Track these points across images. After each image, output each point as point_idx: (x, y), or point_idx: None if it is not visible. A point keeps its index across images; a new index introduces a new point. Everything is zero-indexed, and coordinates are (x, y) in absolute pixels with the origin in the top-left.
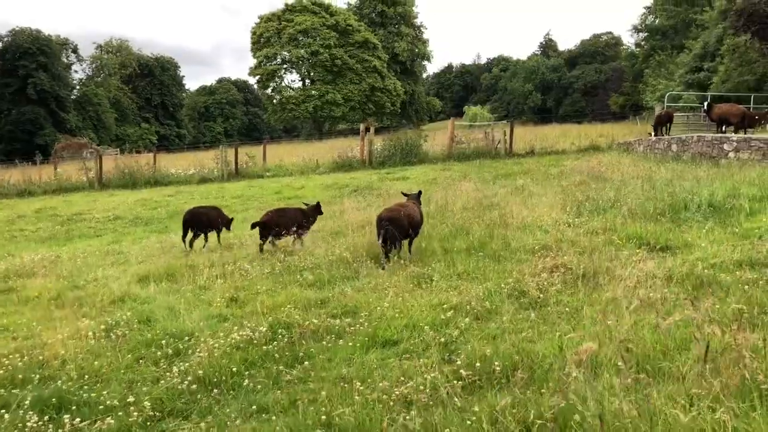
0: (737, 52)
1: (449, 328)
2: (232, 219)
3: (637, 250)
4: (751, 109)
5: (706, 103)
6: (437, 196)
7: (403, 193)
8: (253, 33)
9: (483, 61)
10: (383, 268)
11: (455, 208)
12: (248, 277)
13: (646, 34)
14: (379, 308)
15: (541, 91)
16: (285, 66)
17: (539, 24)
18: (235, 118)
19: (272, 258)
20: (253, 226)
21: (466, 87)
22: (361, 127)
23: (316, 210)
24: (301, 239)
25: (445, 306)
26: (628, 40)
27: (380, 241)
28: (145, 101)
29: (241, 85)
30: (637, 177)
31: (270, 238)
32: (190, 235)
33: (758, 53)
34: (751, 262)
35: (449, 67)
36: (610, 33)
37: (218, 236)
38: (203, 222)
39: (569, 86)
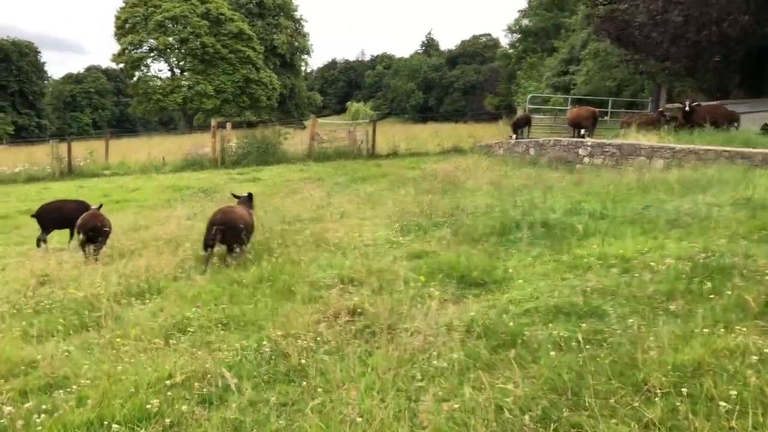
0: (599, 56)
1: (153, 425)
2: None
3: (444, 289)
4: (609, 113)
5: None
6: (277, 202)
7: (233, 195)
8: (118, 18)
9: (367, 57)
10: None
11: (277, 220)
12: None
13: (519, 36)
14: (87, 381)
15: (423, 90)
16: (152, 54)
17: (422, 23)
18: (105, 108)
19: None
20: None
21: (350, 83)
22: (212, 122)
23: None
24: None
25: (168, 382)
26: (504, 41)
27: (207, 245)
28: (1, 88)
29: (111, 74)
30: (489, 183)
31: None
32: None
33: (618, 58)
34: (568, 310)
35: (333, 62)
36: (489, 35)
37: None
38: None
39: (450, 85)
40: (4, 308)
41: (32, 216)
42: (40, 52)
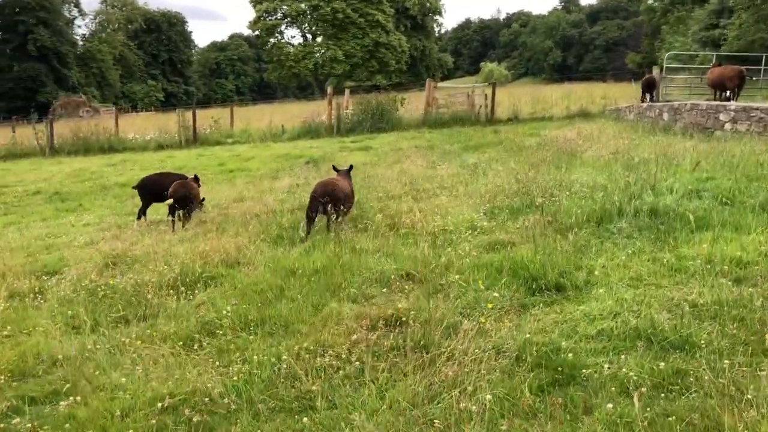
0: (753, 5)
1: None
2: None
3: (509, 294)
4: (761, 71)
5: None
6: (380, 173)
7: (334, 168)
8: None
9: (503, 16)
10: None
11: (371, 195)
12: None
13: None
14: (88, 391)
15: (561, 48)
16: (286, 20)
17: None
18: (246, 75)
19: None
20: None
21: (484, 43)
22: (328, 89)
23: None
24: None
25: (161, 404)
26: None
27: (310, 217)
28: (152, 58)
29: (253, 41)
30: (611, 153)
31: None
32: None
33: None
34: (650, 336)
35: (467, 22)
36: None
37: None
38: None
39: (590, 42)
40: (64, 293)
41: (133, 188)
42: (187, 22)
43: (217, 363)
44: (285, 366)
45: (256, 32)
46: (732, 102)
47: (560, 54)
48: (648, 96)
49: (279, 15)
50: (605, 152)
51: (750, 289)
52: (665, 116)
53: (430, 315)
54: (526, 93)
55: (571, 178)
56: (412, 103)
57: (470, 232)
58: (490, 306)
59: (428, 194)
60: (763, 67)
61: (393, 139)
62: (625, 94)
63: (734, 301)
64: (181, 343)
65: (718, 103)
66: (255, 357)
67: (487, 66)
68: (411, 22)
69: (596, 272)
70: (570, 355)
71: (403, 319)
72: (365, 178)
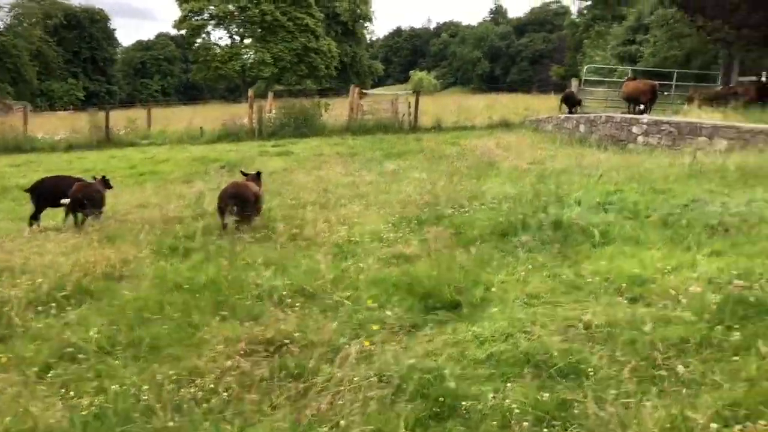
0: (666, 24)
1: None
2: None
3: (402, 314)
4: (673, 87)
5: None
6: (297, 179)
7: (242, 173)
8: None
9: (433, 25)
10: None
11: (282, 203)
12: None
13: (588, 3)
14: None
15: (489, 59)
16: (213, 21)
17: None
18: (173, 75)
19: None
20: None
21: (415, 51)
22: (249, 92)
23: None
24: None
25: None
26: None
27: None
28: (73, 55)
29: (180, 41)
30: (528, 163)
31: None
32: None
33: (688, 27)
34: (540, 362)
35: (398, 30)
36: (559, 1)
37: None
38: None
39: (517, 54)
40: None
41: (26, 191)
42: (110, 19)
43: (71, 394)
44: (145, 397)
45: (182, 32)
46: (645, 115)
47: (488, 65)
48: (567, 109)
49: (206, 15)
50: (522, 162)
51: (643, 309)
52: (582, 128)
53: (315, 337)
54: (453, 102)
55: (483, 189)
56: (337, 109)
57: (376, 243)
58: (375, 328)
59: (341, 203)
60: (674, 83)
61: (315, 144)
62: (548, 105)
63: (627, 322)
64: (35, 369)
65: (631, 116)
66: (112, 387)
67: (417, 74)
68: (341, 27)
69: (494, 289)
70: (453, 383)
71: (285, 342)
72: (281, 184)
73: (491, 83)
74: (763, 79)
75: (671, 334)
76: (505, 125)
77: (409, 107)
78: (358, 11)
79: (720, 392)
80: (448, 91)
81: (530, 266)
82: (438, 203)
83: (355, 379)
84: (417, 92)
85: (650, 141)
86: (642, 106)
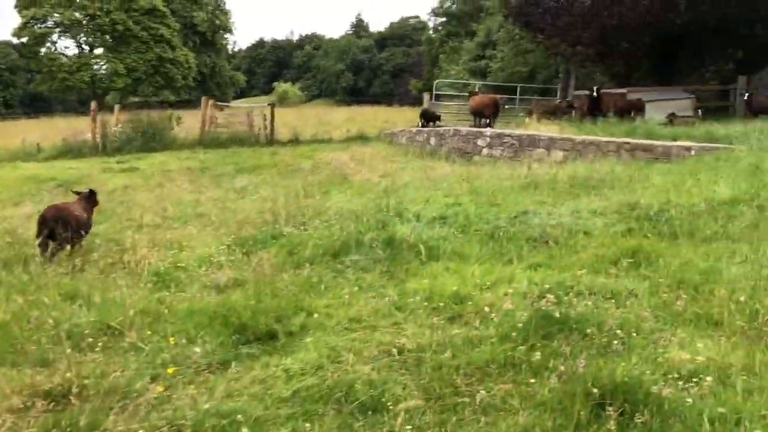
0: (513, 41)
1: None
2: None
3: (218, 346)
4: (517, 100)
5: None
6: (140, 198)
7: (74, 192)
8: None
9: (296, 37)
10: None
11: (114, 226)
12: None
13: (443, 19)
14: None
15: (353, 72)
16: (58, 29)
17: (352, 3)
18: (15, 86)
19: None
20: None
21: (279, 63)
22: (92, 105)
23: None
24: None
25: None
26: (431, 25)
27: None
28: None
29: (23, 50)
30: (380, 176)
31: None
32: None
33: (532, 43)
34: (343, 399)
35: (261, 42)
36: (418, 17)
37: None
38: None
39: (379, 68)
40: None
41: None
42: None
43: None
44: None
45: (23, 40)
46: (488, 129)
47: (352, 77)
48: (423, 123)
49: (50, 23)
50: (373, 176)
51: (456, 330)
52: (432, 141)
53: (107, 383)
54: (315, 114)
55: (328, 205)
56: (190, 122)
57: (203, 269)
58: (171, 371)
59: (174, 225)
60: (518, 97)
61: (164, 159)
62: (406, 118)
63: (439, 345)
64: None
65: (476, 129)
66: None
67: (281, 86)
68: (200, 38)
69: (316, 315)
70: (247, 428)
71: (72, 391)
72: (118, 204)
73: (355, 95)
74: (594, 93)
75: (478, 357)
76: (362, 138)
77: (265, 120)
78: (217, 22)
79: (515, 418)
80: (313, 102)
81: (357, 287)
82: (278, 222)
83: (149, 428)
84: (272, 105)
85: (494, 153)
86: (487, 120)
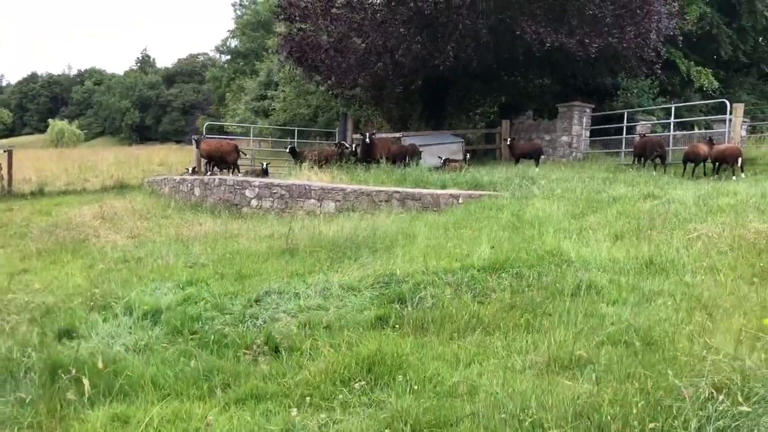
0: (294, 81)
1: None
2: None
3: None
4: (296, 143)
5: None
6: None
7: None
8: None
9: (74, 72)
10: None
11: None
12: None
13: (228, 56)
14: None
15: (139, 108)
16: None
17: (136, 39)
18: None
19: None
20: None
21: (55, 99)
22: None
23: None
24: None
25: None
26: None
27: None
28: None
29: None
30: (128, 237)
31: None
32: None
33: (313, 84)
34: None
35: (33, 75)
36: (207, 54)
37: None
38: None
39: (168, 104)
40: None
41: None
42: None
43: None
44: None
45: None
46: (257, 179)
47: (138, 114)
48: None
49: None
50: (119, 237)
51: None
52: (197, 191)
53: None
54: (78, 157)
55: (34, 287)
56: None
57: None
58: None
59: None
60: (296, 140)
61: None
62: (191, 158)
63: None
64: None
65: (244, 178)
66: None
67: (57, 124)
68: None
69: None
70: None
71: None
72: None
73: (143, 133)
74: (367, 139)
75: None
76: (122, 187)
77: (0, 170)
78: None
79: None
80: (95, 141)
81: None
82: None
83: None
84: (9, 151)
85: (264, 204)
86: (224, 168)
